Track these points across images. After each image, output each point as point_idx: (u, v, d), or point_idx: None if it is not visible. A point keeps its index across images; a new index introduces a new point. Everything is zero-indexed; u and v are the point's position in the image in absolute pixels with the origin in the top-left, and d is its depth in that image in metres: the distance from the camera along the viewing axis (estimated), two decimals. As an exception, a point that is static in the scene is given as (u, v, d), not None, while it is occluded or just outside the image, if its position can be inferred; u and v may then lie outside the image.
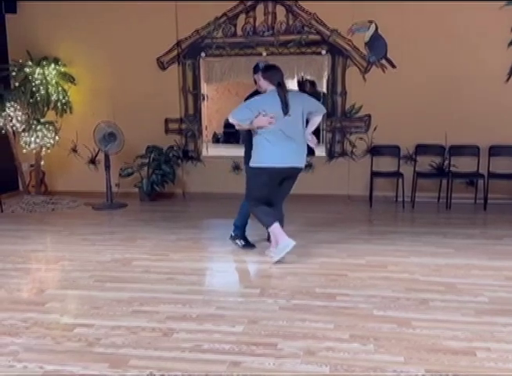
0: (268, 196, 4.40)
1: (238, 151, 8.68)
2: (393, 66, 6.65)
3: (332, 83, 6.85)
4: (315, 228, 5.50)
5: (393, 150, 6.76)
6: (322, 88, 9.52)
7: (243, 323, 3.18)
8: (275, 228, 4.32)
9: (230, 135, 11.23)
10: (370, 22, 6.58)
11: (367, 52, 6.68)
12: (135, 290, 3.77)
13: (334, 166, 7.00)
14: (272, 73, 4.27)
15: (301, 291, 3.70)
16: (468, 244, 4.90)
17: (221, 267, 4.43)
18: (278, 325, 3.14)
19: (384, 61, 6.67)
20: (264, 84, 4.31)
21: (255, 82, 4.61)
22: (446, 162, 6.70)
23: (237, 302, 3.55)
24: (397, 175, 6.66)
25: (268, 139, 4.21)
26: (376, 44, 6.64)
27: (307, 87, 9.06)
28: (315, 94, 8.50)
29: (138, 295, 3.66)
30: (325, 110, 4.46)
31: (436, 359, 2.70)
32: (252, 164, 4.32)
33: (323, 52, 6.74)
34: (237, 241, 4.81)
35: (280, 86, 4.21)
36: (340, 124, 6.93)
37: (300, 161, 4.33)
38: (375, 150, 6.82)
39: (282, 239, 4.28)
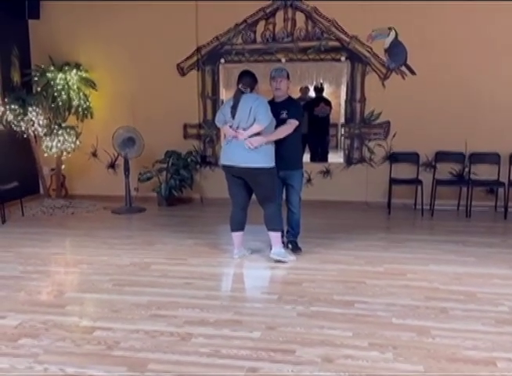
0: (235, 196, 4.63)
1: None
2: (413, 72, 6.62)
3: (351, 89, 6.84)
4: (332, 234, 5.48)
5: (412, 157, 6.71)
6: (341, 94, 9.56)
7: (260, 329, 3.18)
8: (233, 236, 4.70)
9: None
10: (390, 28, 6.56)
11: (387, 59, 6.66)
12: (153, 294, 3.80)
13: (352, 172, 6.98)
14: (240, 78, 4.39)
15: (319, 298, 3.69)
16: (488, 252, 4.84)
17: (239, 272, 4.43)
18: (296, 332, 3.13)
19: (403, 68, 6.64)
20: None
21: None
22: (466, 170, 6.63)
23: (255, 308, 3.55)
24: (416, 182, 6.61)
25: (226, 139, 4.53)
26: (396, 50, 6.61)
27: (307, 92, 9.10)
28: (321, 100, 8.58)
29: (157, 299, 3.68)
30: (263, 123, 4.22)
31: (456, 369, 2.67)
32: None
33: (343, 58, 6.74)
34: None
35: (238, 90, 4.34)
36: (358, 130, 6.91)
37: (248, 162, 4.29)
38: (394, 157, 6.78)
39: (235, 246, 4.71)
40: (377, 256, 4.72)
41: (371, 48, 6.67)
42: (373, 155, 6.90)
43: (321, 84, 8.17)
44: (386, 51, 6.64)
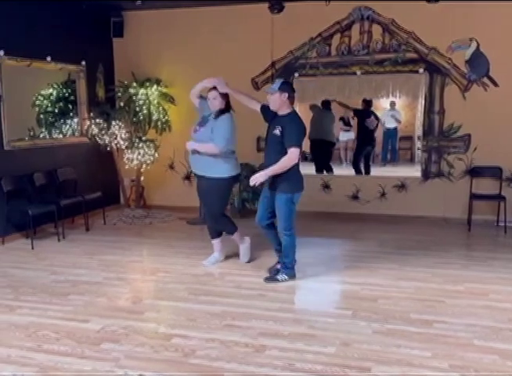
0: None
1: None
2: (495, 84, 6.35)
3: (429, 101, 6.66)
4: (408, 251, 5.32)
5: (494, 172, 6.42)
6: (417, 106, 9.43)
7: (334, 344, 3.14)
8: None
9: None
10: (471, 39, 6.35)
11: (467, 70, 6.44)
12: (227, 304, 3.85)
13: (430, 187, 6.77)
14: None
15: (395, 316, 3.59)
16: None
17: (312, 286, 4.39)
18: (371, 349, 3.07)
19: (485, 79, 6.39)
20: None
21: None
22: (554, 185, 6.25)
23: (328, 323, 3.51)
24: (498, 197, 6.30)
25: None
26: (478, 62, 6.38)
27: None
28: (372, 113, 9.07)
29: (231, 310, 3.73)
30: (216, 147, 4.43)
31: (545, 398, 2.51)
32: None
33: (421, 70, 6.59)
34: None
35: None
36: (437, 143, 6.70)
37: (198, 169, 4.67)
38: (475, 171, 6.51)
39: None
40: (457, 274, 4.53)
41: (451, 60, 6.47)
42: (452, 169, 6.66)
43: (370, 98, 8.66)
44: (467, 62, 6.43)
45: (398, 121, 12.36)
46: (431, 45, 6.50)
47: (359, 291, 4.17)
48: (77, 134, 7.20)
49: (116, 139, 7.16)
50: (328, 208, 7.04)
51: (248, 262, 4.92)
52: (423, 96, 6.75)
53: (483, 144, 6.45)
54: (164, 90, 7.39)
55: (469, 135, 6.54)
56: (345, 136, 11.37)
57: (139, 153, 7.13)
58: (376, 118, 9.20)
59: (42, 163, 6.29)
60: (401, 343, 3.14)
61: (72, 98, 7.26)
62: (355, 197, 7.03)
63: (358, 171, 8.95)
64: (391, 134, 12.59)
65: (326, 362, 2.91)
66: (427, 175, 6.80)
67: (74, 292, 4.16)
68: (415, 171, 6.94)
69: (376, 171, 10.73)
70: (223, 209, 4.82)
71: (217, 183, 4.57)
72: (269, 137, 4.30)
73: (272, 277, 4.42)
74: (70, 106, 7.27)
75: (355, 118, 9.62)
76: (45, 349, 3.13)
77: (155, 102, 7.26)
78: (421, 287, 4.20)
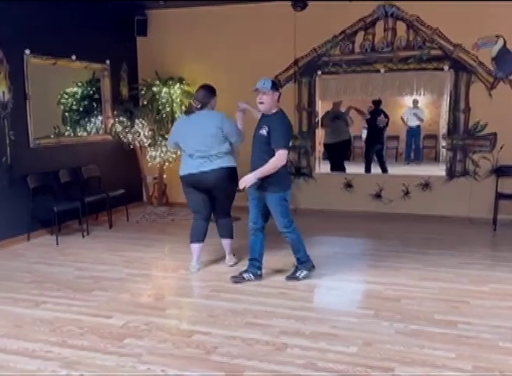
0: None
1: (350, 168, 8.65)
2: (523, 81, 6.23)
3: (454, 99, 6.56)
4: (431, 250, 5.25)
5: (522, 171, 6.30)
6: (442, 104, 9.33)
7: (357, 344, 3.12)
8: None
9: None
10: (498, 36, 6.23)
11: (494, 68, 6.32)
12: (248, 302, 3.86)
13: (454, 186, 6.66)
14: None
15: (419, 316, 3.55)
16: None
17: (334, 285, 4.35)
18: (395, 349, 3.04)
19: (512, 77, 6.27)
20: None
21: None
22: None
23: (350, 322, 3.48)
24: (526, 197, 6.18)
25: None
26: (504, 59, 6.26)
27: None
28: (382, 111, 9.32)
29: (252, 308, 3.73)
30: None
31: None
32: None
33: (446, 67, 6.48)
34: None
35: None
36: (462, 142, 6.59)
37: None
38: (501, 171, 6.39)
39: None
40: (482, 275, 4.46)
41: (477, 57, 6.36)
42: (477, 168, 6.55)
43: (379, 98, 8.90)
44: (493, 59, 6.30)
45: (421, 120, 12.22)
46: (457, 42, 6.40)
47: (382, 290, 4.13)
48: (101, 132, 7.29)
49: (139, 136, 7.22)
50: (350, 207, 6.99)
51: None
52: (448, 94, 6.64)
53: (509, 143, 6.32)
54: (187, 88, 7.42)
55: (495, 134, 6.42)
56: None
57: (162, 151, 7.19)
58: (386, 116, 9.36)
59: (67, 160, 6.38)
60: (424, 344, 3.10)
61: (96, 96, 7.35)
62: (378, 196, 6.96)
63: (368, 170, 9.00)
64: (414, 132, 12.45)
65: (349, 362, 2.89)
66: (451, 174, 6.70)
67: (98, 288, 4.21)
68: (439, 170, 6.84)
69: (399, 169, 10.65)
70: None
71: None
72: (256, 137, 4.24)
73: (291, 276, 4.38)
74: (95, 105, 7.36)
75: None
76: (69, 344, 3.17)
77: (178, 100, 7.30)
78: (445, 288, 4.14)
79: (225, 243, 4.77)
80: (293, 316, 3.57)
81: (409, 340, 3.17)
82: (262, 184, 4.13)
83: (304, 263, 4.40)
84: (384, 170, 9.17)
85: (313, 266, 4.44)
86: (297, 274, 4.37)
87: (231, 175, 4.49)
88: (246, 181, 4.06)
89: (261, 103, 4.16)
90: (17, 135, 5.65)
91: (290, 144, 4.19)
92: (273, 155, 4.05)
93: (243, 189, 4.13)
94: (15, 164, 5.61)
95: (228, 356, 2.98)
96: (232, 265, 4.73)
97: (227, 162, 4.48)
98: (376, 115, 9.31)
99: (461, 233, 6.04)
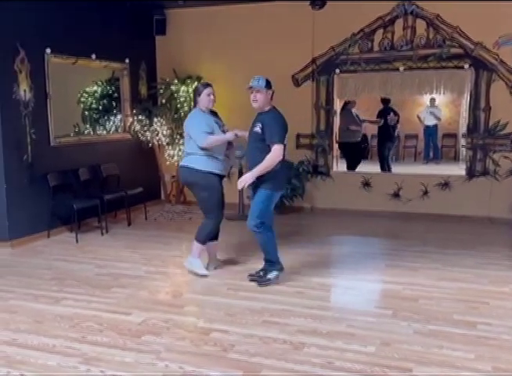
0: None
1: (368, 167, 8.60)
2: (545, 80, 6.13)
3: (475, 98, 6.48)
4: (451, 250, 5.20)
5: (543, 171, 6.20)
6: (462, 103, 9.22)
7: (375, 344, 3.11)
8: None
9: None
10: (519, 34, 6.15)
11: (516, 66, 6.24)
12: (265, 300, 3.86)
13: (474, 186, 6.58)
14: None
15: (437, 317, 3.52)
16: None
17: (351, 285, 4.34)
18: (412, 350, 3.02)
19: (534, 75, 6.17)
20: None
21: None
22: None
23: (368, 322, 3.47)
24: (547, 197, 6.09)
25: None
26: (526, 57, 6.17)
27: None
28: (391, 109, 9.40)
29: (269, 306, 3.74)
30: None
31: None
32: None
33: (466, 66, 6.41)
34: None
35: None
36: (482, 141, 6.51)
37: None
38: (522, 170, 6.31)
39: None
40: (502, 275, 4.41)
41: (498, 55, 6.27)
42: (498, 168, 6.46)
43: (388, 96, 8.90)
44: (515, 57, 6.22)
45: (438, 119, 12.05)
46: (477, 40, 6.32)
47: (400, 290, 4.10)
48: (120, 130, 7.36)
49: (157, 135, 7.27)
50: (368, 207, 6.96)
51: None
52: (469, 93, 6.56)
53: (531, 142, 6.24)
54: (205, 87, 7.43)
55: (516, 133, 6.34)
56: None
57: (180, 150, 7.23)
58: (395, 114, 9.43)
59: (86, 158, 6.45)
60: (443, 344, 3.08)
61: (115, 95, 7.43)
62: (396, 195, 6.91)
63: (384, 168, 9.10)
64: (430, 131, 12.26)
65: (366, 361, 2.88)
66: (471, 173, 6.62)
67: (117, 285, 4.25)
68: (459, 170, 6.76)
69: (418, 168, 10.56)
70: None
71: None
72: (251, 134, 4.24)
73: (262, 280, 4.23)
74: (114, 103, 7.44)
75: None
76: (89, 340, 3.21)
77: (196, 99, 7.31)
78: (464, 288, 4.10)
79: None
80: (311, 315, 3.57)
81: (427, 340, 3.15)
82: (257, 181, 4.11)
83: (274, 264, 4.28)
84: (385, 168, 9.12)
85: (282, 268, 4.32)
86: (268, 276, 4.25)
87: (192, 176, 4.39)
88: (245, 180, 4.08)
89: (255, 101, 4.17)
90: (38, 133, 5.73)
91: (286, 141, 4.17)
92: (267, 152, 4.06)
93: (242, 188, 4.15)
94: (35, 163, 5.69)
95: (246, 355, 2.99)
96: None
97: (187, 162, 4.44)
98: (386, 114, 9.36)
99: (481, 233, 5.97)
